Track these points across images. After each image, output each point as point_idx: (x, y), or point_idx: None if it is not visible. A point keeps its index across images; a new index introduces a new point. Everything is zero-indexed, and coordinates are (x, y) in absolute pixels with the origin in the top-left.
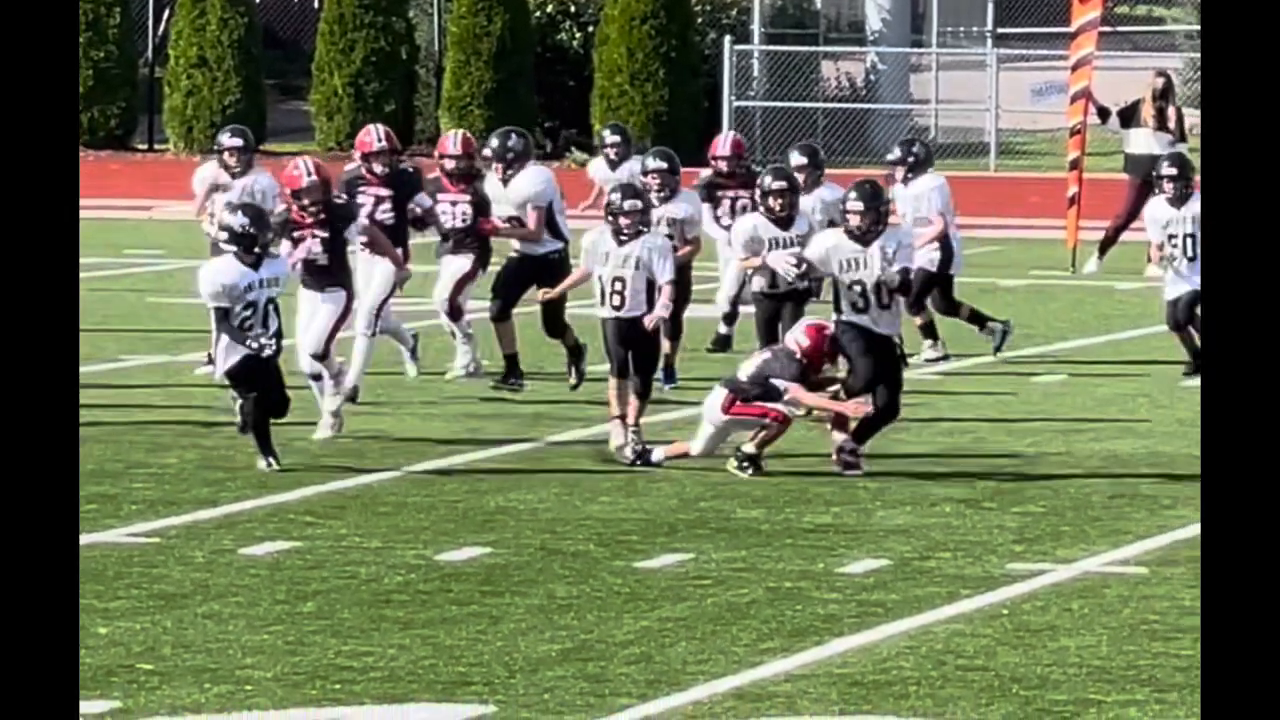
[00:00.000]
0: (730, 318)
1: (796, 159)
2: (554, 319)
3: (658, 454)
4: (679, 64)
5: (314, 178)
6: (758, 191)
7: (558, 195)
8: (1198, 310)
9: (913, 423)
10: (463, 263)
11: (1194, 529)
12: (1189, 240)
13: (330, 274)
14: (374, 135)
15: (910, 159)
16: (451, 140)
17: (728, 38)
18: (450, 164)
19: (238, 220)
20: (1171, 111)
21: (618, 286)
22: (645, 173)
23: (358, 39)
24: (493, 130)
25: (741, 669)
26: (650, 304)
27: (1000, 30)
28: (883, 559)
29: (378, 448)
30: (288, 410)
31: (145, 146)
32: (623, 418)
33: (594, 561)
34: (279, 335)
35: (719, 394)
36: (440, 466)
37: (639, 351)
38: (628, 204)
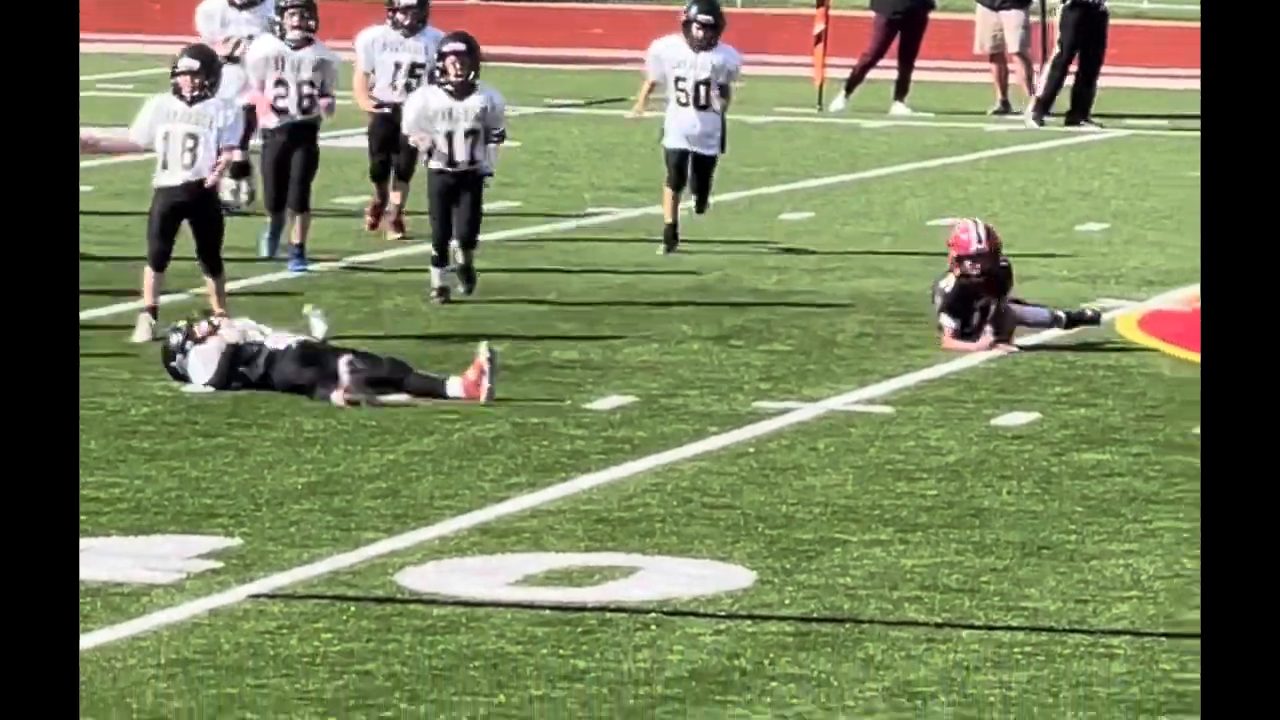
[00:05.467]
0: None
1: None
2: None
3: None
4: None
5: None
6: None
7: None
8: (711, 177)
9: (659, 260)
10: None
11: (940, 369)
12: (701, 87)
13: None
14: None
15: None
16: None
17: None
18: None
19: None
20: None
21: (189, 145)
22: (280, 10)
23: None
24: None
25: (488, 504)
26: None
27: None
28: (630, 396)
29: (127, 278)
30: None
31: None
32: (153, 310)
33: None
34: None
35: None
36: (191, 296)
37: (200, 219)
38: (183, 63)
